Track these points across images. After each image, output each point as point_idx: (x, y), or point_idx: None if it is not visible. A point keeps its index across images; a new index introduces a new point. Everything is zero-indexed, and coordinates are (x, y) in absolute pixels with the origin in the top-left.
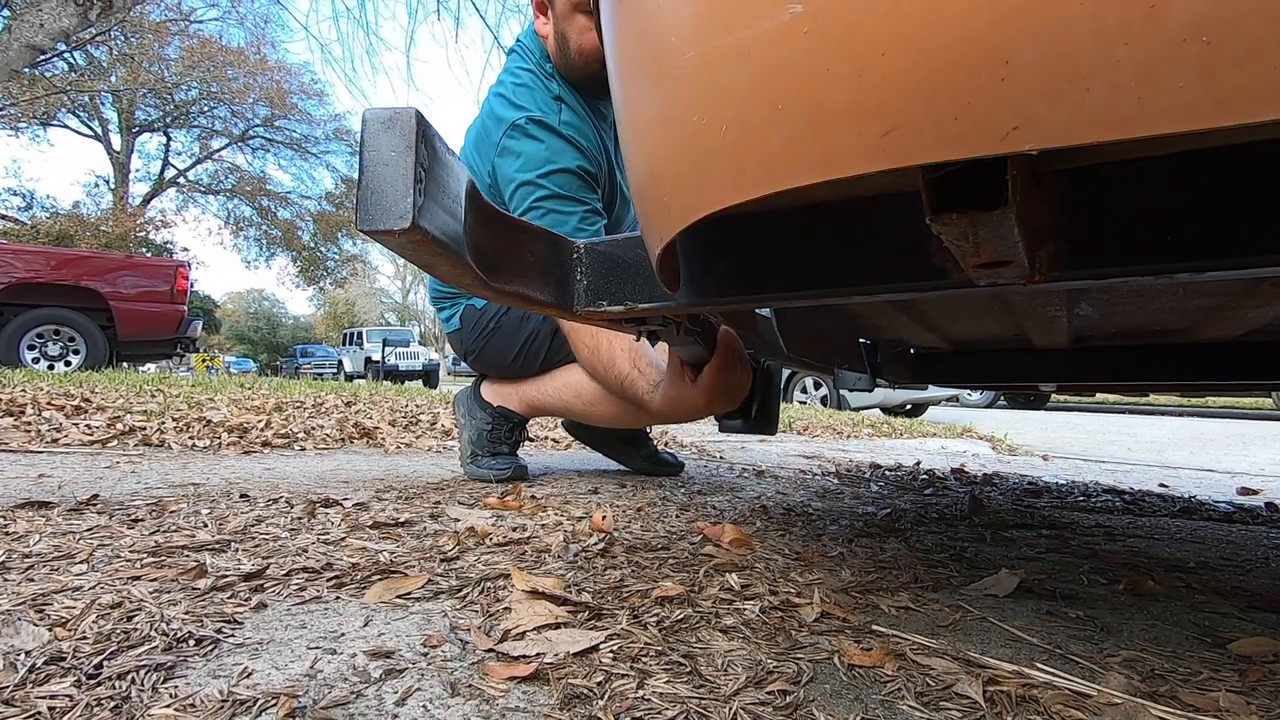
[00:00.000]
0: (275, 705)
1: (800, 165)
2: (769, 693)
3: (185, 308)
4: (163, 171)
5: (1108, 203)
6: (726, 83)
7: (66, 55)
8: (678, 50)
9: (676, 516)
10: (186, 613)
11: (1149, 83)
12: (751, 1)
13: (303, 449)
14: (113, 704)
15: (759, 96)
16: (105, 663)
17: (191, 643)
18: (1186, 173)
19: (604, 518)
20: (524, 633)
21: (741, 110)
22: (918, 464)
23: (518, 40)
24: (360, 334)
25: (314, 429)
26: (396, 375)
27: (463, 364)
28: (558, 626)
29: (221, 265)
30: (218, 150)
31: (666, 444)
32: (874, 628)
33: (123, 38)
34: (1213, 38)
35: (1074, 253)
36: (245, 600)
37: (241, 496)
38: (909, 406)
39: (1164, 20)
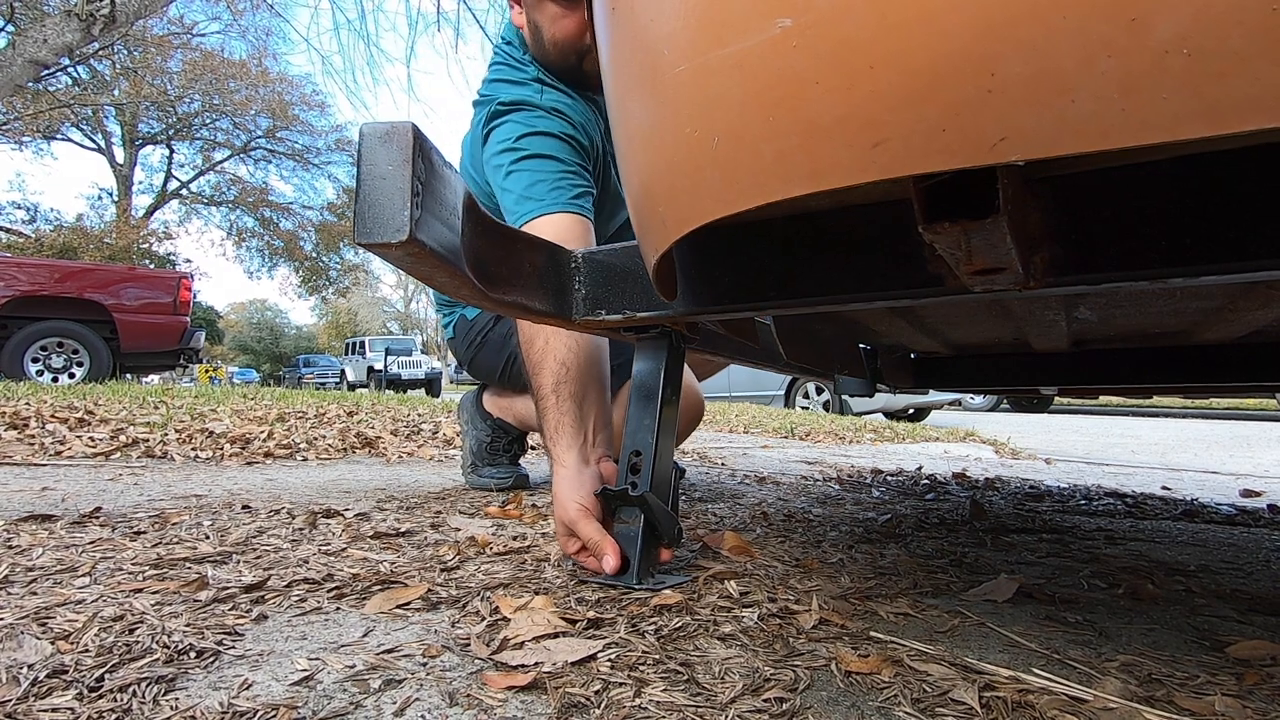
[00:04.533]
0: (275, 717)
1: (792, 177)
2: (766, 700)
3: (188, 319)
4: (165, 184)
5: (1101, 209)
6: (718, 95)
7: (70, 69)
8: (670, 63)
9: None
10: (188, 625)
11: (1132, 94)
12: (741, 16)
13: (305, 459)
14: (114, 717)
15: (750, 109)
16: (107, 676)
17: (192, 655)
18: (1178, 178)
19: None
20: (522, 642)
21: (733, 122)
22: (919, 469)
23: (496, 45)
24: (363, 343)
25: (316, 439)
26: (399, 384)
27: (464, 372)
28: (556, 636)
29: (224, 276)
30: (220, 162)
31: None
32: (872, 634)
33: (126, 52)
34: (1194, 50)
35: (1069, 259)
36: (246, 612)
37: (243, 508)
38: (911, 411)
39: (1146, 33)
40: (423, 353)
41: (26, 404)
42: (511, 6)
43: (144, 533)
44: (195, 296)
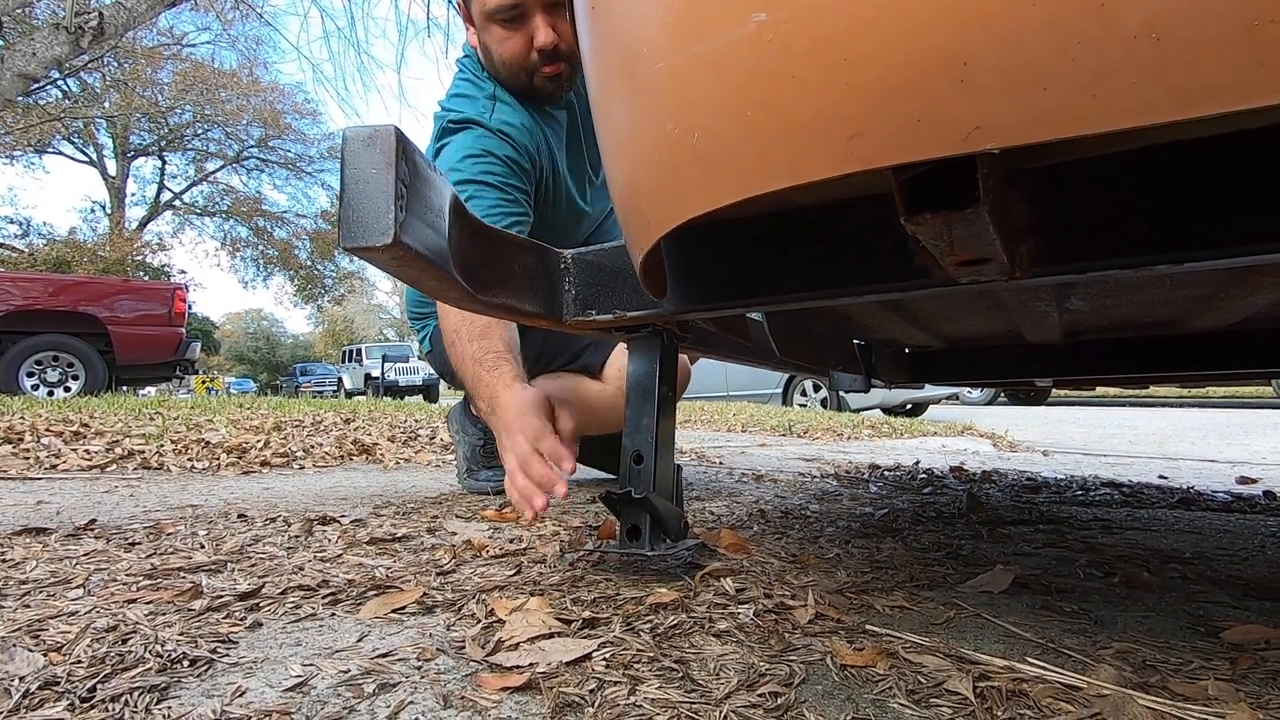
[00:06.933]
0: None
1: (771, 171)
2: (760, 695)
3: (183, 330)
4: (158, 195)
5: (1085, 198)
6: (696, 92)
7: (60, 83)
8: (649, 61)
9: None
10: (181, 634)
11: (1104, 81)
12: (717, 12)
13: (302, 467)
14: None
15: (728, 104)
16: (99, 686)
17: (186, 663)
18: (1159, 167)
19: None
20: (517, 643)
21: (712, 118)
22: (917, 463)
23: (459, 59)
24: (359, 351)
25: (313, 447)
26: (396, 391)
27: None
28: (551, 636)
29: (219, 286)
30: (213, 172)
31: None
32: (868, 628)
33: (116, 64)
34: (1163, 35)
35: (1054, 248)
36: (240, 620)
37: (239, 517)
38: (909, 406)
39: (1115, 20)
40: (419, 359)
41: (21, 418)
42: (467, 28)
43: (139, 544)
44: (190, 307)
